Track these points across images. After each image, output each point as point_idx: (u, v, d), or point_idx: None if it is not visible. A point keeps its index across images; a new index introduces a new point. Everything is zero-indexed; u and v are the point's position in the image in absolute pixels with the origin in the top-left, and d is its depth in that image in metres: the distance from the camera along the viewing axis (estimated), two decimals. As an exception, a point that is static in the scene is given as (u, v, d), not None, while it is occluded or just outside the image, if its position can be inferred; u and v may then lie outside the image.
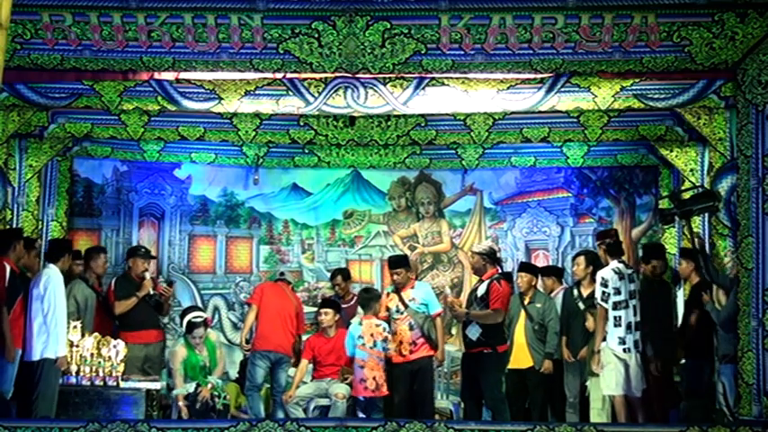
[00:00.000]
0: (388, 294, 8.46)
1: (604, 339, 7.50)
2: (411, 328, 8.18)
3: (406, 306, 8.21)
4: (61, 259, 7.77)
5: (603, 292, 7.45)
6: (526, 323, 8.47)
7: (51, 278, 7.42)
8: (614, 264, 7.59)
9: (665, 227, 9.36)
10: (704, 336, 7.56)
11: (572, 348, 8.28)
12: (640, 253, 9.79)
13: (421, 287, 8.45)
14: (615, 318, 7.45)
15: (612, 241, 7.85)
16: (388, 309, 8.31)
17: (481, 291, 7.96)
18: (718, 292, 7.51)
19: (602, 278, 7.50)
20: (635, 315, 7.52)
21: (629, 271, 7.65)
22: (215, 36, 6.82)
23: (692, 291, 8.01)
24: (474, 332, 7.84)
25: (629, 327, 7.47)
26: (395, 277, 8.33)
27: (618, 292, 7.47)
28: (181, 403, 8.31)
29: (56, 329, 7.32)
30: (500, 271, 8.15)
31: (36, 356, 7.22)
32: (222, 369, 8.84)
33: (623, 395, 7.44)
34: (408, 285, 8.36)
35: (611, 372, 7.44)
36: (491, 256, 8.14)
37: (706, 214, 8.04)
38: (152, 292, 8.67)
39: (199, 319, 8.71)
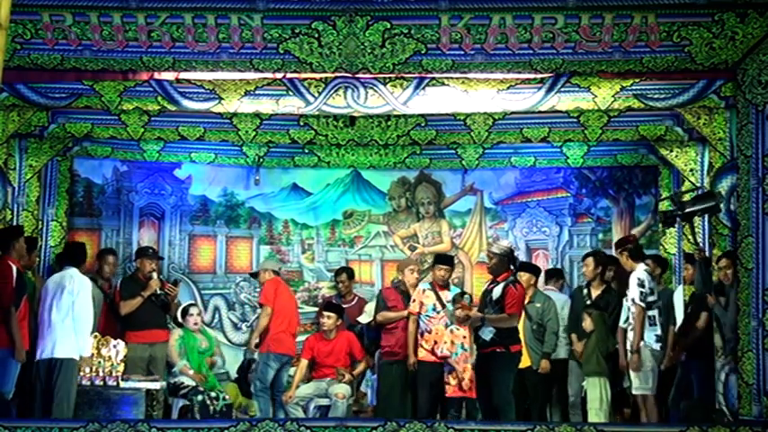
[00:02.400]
0: (423, 291, 8.48)
1: (642, 339, 7.56)
2: (446, 328, 8.24)
3: (443, 305, 8.26)
4: (83, 264, 7.96)
5: (641, 292, 7.54)
6: (525, 323, 8.48)
7: (84, 282, 7.58)
8: (643, 265, 7.71)
9: (667, 228, 9.35)
10: (708, 336, 7.58)
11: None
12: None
13: (455, 291, 8.49)
14: (650, 317, 7.55)
15: (633, 246, 7.90)
16: (422, 305, 8.38)
17: (497, 293, 7.72)
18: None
19: (639, 279, 7.58)
20: (661, 315, 7.63)
21: (655, 273, 7.89)
22: (215, 36, 6.82)
23: (694, 293, 8.03)
24: (488, 333, 7.71)
25: (661, 325, 7.59)
26: (441, 273, 8.45)
27: (652, 291, 7.59)
28: (191, 372, 8.52)
29: (84, 332, 7.44)
30: (515, 273, 7.97)
31: (59, 354, 7.28)
32: (220, 354, 9.03)
33: (654, 395, 7.56)
34: (446, 287, 8.44)
35: (650, 371, 7.54)
36: (510, 258, 8.02)
37: (706, 215, 8.04)
38: (158, 292, 8.70)
39: (192, 305, 9.12)
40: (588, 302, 8.41)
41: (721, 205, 7.40)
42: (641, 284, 7.56)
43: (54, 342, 7.28)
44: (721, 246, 7.54)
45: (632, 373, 7.62)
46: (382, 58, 6.93)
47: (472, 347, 8.04)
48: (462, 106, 7.97)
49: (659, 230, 9.87)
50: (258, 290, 9.53)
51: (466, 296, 7.98)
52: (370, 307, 9.17)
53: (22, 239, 7.43)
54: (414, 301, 8.47)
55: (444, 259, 8.72)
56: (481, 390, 7.92)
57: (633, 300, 7.59)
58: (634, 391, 7.70)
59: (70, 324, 7.34)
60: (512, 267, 7.90)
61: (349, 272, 9.75)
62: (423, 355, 8.30)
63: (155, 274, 8.79)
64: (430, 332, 8.29)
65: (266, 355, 8.54)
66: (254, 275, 9.35)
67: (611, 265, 8.96)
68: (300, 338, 9.19)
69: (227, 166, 10.35)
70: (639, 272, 7.65)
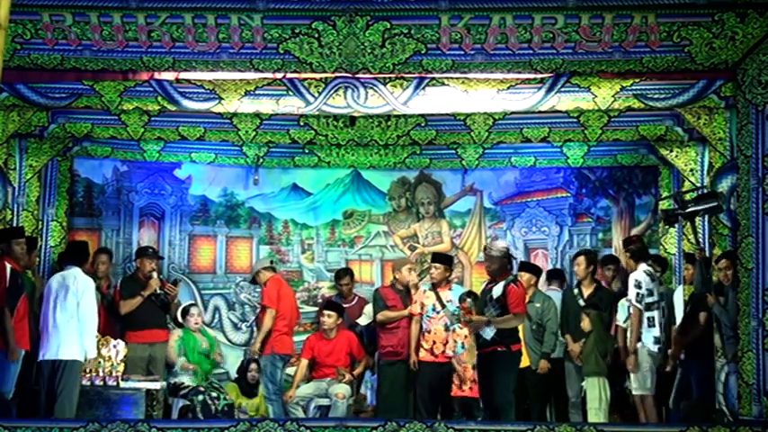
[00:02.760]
0: (424, 291, 8.49)
1: (639, 340, 7.59)
2: (446, 329, 8.24)
3: (443, 306, 8.26)
4: (85, 264, 7.93)
5: (638, 294, 7.58)
6: (525, 323, 8.47)
7: (88, 283, 7.56)
8: (644, 266, 7.72)
9: (668, 227, 9.35)
10: (708, 336, 7.59)
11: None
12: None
13: (458, 291, 8.48)
14: (649, 318, 7.58)
15: (636, 247, 7.92)
16: (423, 306, 8.42)
17: (497, 292, 7.60)
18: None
19: (636, 280, 7.62)
20: (663, 317, 7.65)
21: (657, 273, 7.87)
22: (215, 36, 6.82)
23: (693, 293, 8.04)
24: (489, 332, 7.67)
25: (661, 327, 7.60)
26: (434, 271, 8.51)
27: (650, 293, 7.61)
28: (191, 366, 8.51)
29: (90, 333, 7.43)
30: (513, 272, 7.89)
31: (64, 356, 7.27)
32: (220, 354, 9.12)
33: (653, 395, 7.59)
34: (446, 286, 8.45)
35: (648, 372, 7.57)
36: (509, 258, 7.87)
37: (707, 215, 8.04)
38: (158, 292, 8.69)
39: (192, 305, 9.12)
40: (582, 302, 8.41)
41: (723, 205, 7.40)
42: (638, 286, 7.59)
43: (59, 343, 7.27)
44: (721, 246, 7.54)
45: (631, 374, 7.64)
46: (382, 58, 6.93)
47: (472, 347, 8.04)
48: (462, 106, 7.97)
49: (659, 230, 9.87)
50: (258, 290, 9.52)
51: (468, 300, 7.93)
52: (368, 309, 9.17)
53: (23, 241, 7.41)
54: (415, 302, 8.50)
55: (437, 258, 8.72)
56: (482, 389, 7.91)
57: (630, 301, 7.60)
58: (633, 392, 7.72)
59: (75, 325, 7.33)
60: (510, 267, 7.91)
61: (352, 274, 9.76)
62: (423, 355, 8.34)
63: (155, 274, 8.79)
64: (430, 332, 8.32)
65: (272, 356, 8.56)
66: (253, 281, 9.32)
67: (609, 264, 8.96)
68: (300, 338, 9.20)
69: (227, 166, 10.34)
70: (638, 273, 7.66)
